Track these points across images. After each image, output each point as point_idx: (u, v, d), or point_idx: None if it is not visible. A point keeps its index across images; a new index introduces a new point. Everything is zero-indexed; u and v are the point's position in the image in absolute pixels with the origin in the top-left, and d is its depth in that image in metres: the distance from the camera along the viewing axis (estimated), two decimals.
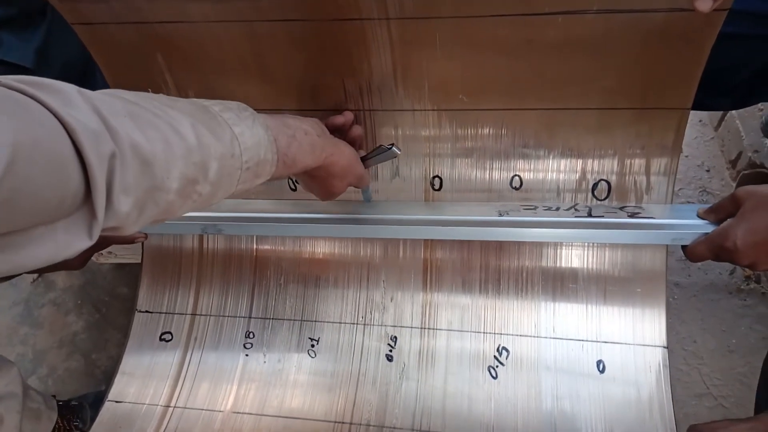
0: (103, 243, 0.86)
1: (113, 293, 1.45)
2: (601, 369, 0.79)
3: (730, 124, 1.34)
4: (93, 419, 1.04)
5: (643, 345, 0.79)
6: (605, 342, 0.80)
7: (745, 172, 1.26)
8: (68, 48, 1.14)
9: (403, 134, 0.83)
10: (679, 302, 1.18)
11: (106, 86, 1.21)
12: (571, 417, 0.77)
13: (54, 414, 1.05)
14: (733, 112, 1.32)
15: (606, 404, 0.77)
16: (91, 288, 1.48)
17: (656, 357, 0.78)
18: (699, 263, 1.22)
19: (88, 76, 1.21)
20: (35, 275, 1.50)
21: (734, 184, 1.31)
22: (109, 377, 1.30)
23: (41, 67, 1.08)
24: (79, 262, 0.86)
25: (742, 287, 1.18)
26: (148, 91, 0.49)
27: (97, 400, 1.08)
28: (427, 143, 0.83)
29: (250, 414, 0.84)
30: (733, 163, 1.32)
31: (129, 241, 0.87)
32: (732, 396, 1.06)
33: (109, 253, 1.27)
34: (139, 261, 1.27)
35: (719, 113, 1.39)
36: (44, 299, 1.47)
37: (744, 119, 1.28)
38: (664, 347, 0.79)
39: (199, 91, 0.84)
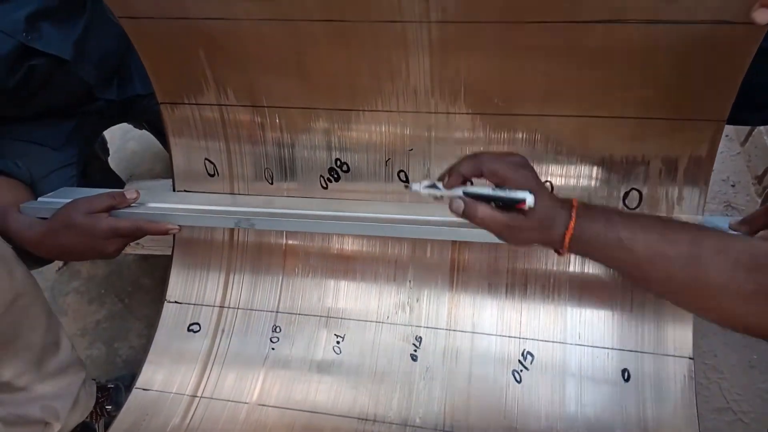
0: (137, 234, 0.87)
1: (136, 284, 1.47)
2: (626, 378, 0.80)
3: (757, 140, 1.34)
4: None
5: (669, 355, 0.79)
6: (631, 351, 0.80)
7: None
8: (106, 42, 1.16)
9: (436, 137, 0.84)
10: (704, 316, 1.18)
11: (141, 81, 1.23)
12: (595, 424, 0.77)
13: (91, 401, 1.06)
14: (761, 127, 1.31)
15: (630, 413, 0.77)
16: (115, 278, 1.50)
17: (682, 368, 0.78)
18: None
19: (123, 71, 1.24)
20: (61, 263, 1.53)
21: (759, 200, 1.31)
22: (130, 366, 1.32)
23: (79, 60, 1.10)
24: (114, 251, 0.88)
25: None
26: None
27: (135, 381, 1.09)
28: (459, 147, 0.84)
29: (275, 407, 0.85)
30: (759, 179, 1.32)
31: (162, 232, 0.88)
32: (752, 412, 1.05)
33: (137, 244, 1.28)
34: (165, 253, 1.29)
35: (746, 128, 1.39)
36: (68, 287, 1.49)
37: None
38: (690, 358, 0.79)
39: (237, 87, 0.86)
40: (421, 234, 0.84)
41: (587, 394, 0.80)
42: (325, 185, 0.92)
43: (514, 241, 0.61)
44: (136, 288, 1.47)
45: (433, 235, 0.84)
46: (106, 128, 1.44)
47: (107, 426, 1.13)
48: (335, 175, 0.91)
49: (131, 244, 1.28)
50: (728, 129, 1.45)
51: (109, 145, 1.61)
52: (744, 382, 1.09)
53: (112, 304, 1.45)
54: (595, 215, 0.57)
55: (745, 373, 1.10)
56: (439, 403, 0.82)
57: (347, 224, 0.83)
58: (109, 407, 1.13)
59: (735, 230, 0.73)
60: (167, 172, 1.73)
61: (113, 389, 1.16)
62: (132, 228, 0.86)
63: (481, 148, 0.83)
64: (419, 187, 0.62)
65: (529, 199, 0.56)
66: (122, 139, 1.82)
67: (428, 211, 0.84)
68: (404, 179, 0.88)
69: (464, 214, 0.60)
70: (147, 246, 1.29)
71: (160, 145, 1.63)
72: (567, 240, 0.57)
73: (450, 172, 0.62)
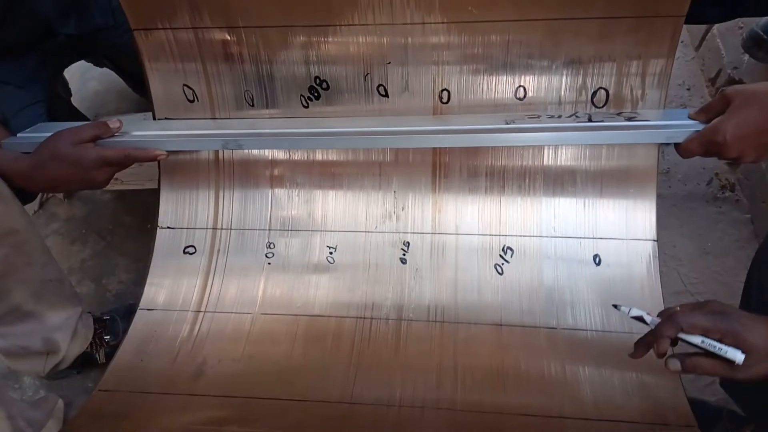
0: (126, 162, 0.89)
1: (117, 221, 1.48)
2: (597, 262, 0.88)
3: (710, 43, 1.40)
4: (125, 331, 1.09)
5: (635, 239, 0.87)
6: (601, 238, 0.88)
7: (724, 88, 1.32)
8: None
9: (412, 48, 0.86)
10: (659, 211, 1.27)
11: (100, 13, 1.20)
12: (570, 299, 0.86)
13: (90, 332, 1.10)
14: (714, 31, 1.37)
15: (601, 290, 0.86)
16: (94, 218, 1.50)
17: (647, 249, 0.87)
18: (679, 176, 1.31)
19: (82, 4, 1.20)
20: (36, 207, 1.52)
21: None
22: (121, 300, 1.36)
23: None
24: (104, 180, 0.89)
25: (717, 196, 1.27)
26: None
27: (129, 312, 1.13)
28: (436, 57, 0.87)
29: (277, 314, 0.90)
30: (713, 81, 1.39)
31: (151, 158, 0.90)
32: (707, 292, 1.16)
33: (115, 179, 1.29)
34: (143, 187, 1.30)
35: (700, 34, 1.45)
36: (47, 230, 1.49)
37: (724, 37, 1.34)
38: (654, 240, 0.87)
39: (212, 9, 0.86)
40: (405, 144, 0.88)
41: (562, 275, 0.88)
42: (306, 104, 0.94)
43: (745, 378, 0.58)
44: (117, 225, 1.48)
45: (416, 144, 0.87)
46: (67, 65, 1.41)
47: (108, 355, 1.18)
48: (315, 94, 0.93)
49: None
50: (683, 35, 1.51)
51: (69, 86, 1.58)
52: (700, 267, 1.19)
53: (95, 243, 1.46)
54: None
55: (700, 258, 1.20)
56: (429, 298, 0.89)
57: (333, 139, 0.87)
58: (108, 337, 1.17)
59: (694, 119, 0.79)
60: (133, 110, 1.70)
61: (109, 320, 1.19)
62: (120, 156, 0.87)
63: (457, 58, 0.86)
64: (626, 312, 0.64)
65: (739, 358, 0.55)
66: (82, 79, 1.77)
67: (409, 122, 0.88)
68: (384, 93, 0.91)
69: (684, 371, 0.60)
70: (127, 181, 1.30)
71: (124, 84, 1.60)
72: None
73: (655, 338, 0.60)
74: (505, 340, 0.84)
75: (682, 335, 0.59)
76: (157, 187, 1.02)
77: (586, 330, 0.83)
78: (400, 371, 0.82)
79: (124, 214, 1.49)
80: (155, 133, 0.90)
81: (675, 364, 0.60)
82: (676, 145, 0.78)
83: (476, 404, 0.77)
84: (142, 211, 1.47)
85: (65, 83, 1.56)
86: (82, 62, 1.48)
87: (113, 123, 0.90)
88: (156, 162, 0.96)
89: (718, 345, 0.57)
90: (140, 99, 1.67)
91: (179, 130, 0.93)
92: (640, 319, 0.62)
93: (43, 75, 1.23)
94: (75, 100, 1.62)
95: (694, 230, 1.24)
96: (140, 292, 0.97)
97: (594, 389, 0.77)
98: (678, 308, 0.62)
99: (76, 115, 1.48)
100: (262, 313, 0.91)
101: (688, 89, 1.44)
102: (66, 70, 1.44)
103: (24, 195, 0.94)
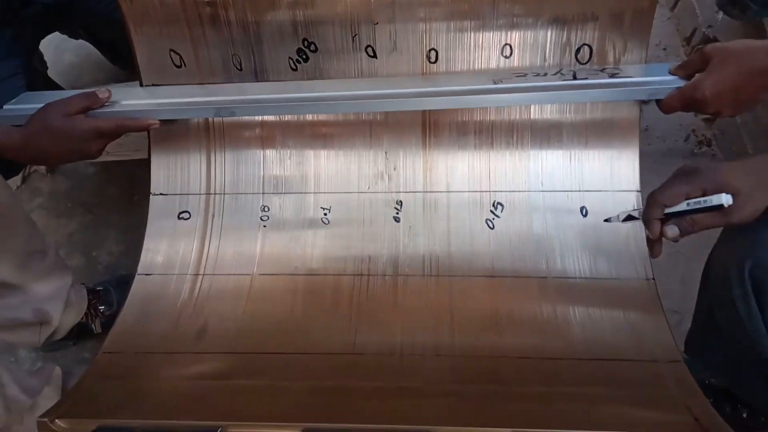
0: (119, 132, 0.89)
1: (102, 194, 1.48)
2: (584, 214, 0.91)
3: (686, 3, 1.43)
4: (119, 301, 1.10)
5: (620, 191, 0.91)
6: (587, 190, 0.91)
7: (699, 47, 1.36)
8: None
9: (400, 6, 0.87)
10: (640, 167, 1.31)
11: None
12: (559, 249, 0.89)
13: (84, 303, 1.11)
14: None
15: (588, 240, 0.89)
16: (78, 191, 1.49)
17: (631, 200, 0.90)
18: (658, 133, 1.35)
19: None
20: (19, 182, 1.50)
21: None
22: (112, 271, 1.36)
23: None
24: (97, 151, 0.89)
25: (695, 151, 1.32)
26: None
27: (122, 282, 1.13)
28: (423, 15, 0.88)
29: (276, 274, 0.92)
30: (688, 40, 1.42)
31: (144, 128, 0.89)
32: (686, 244, 1.21)
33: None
34: (130, 158, 1.30)
35: None
36: (32, 205, 1.48)
37: None
38: (638, 191, 0.91)
39: None
40: (394, 107, 0.89)
41: (551, 228, 0.91)
42: (294, 67, 0.94)
43: (741, 220, 0.59)
44: (103, 198, 1.47)
45: (406, 107, 0.89)
46: (44, 36, 1.38)
47: (104, 325, 1.19)
48: (304, 56, 0.93)
49: None
50: None
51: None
52: None
53: (82, 216, 1.45)
54: None
55: None
56: (424, 253, 0.92)
57: (325, 104, 0.87)
58: (102, 308, 1.18)
59: (674, 74, 0.82)
60: (110, 82, 1.68)
61: (102, 291, 1.20)
62: (113, 126, 0.87)
63: (444, 17, 0.87)
64: (617, 220, 0.70)
65: (726, 199, 0.57)
66: (57, 51, 1.74)
67: (398, 83, 0.90)
68: (372, 54, 0.92)
69: (683, 234, 0.62)
70: (113, 152, 1.29)
71: (100, 55, 1.58)
72: None
73: (647, 225, 0.64)
74: (498, 289, 0.87)
75: (668, 210, 0.62)
76: (141, 157, 1.02)
77: (576, 277, 0.87)
78: (399, 323, 0.85)
79: (109, 186, 1.49)
80: (147, 102, 0.90)
81: (673, 230, 0.62)
82: (658, 101, 0.81)
83: (473, 350, 0.81)
84: (127, 183, 1.46)
85: (41, 56, 1.53)
86: (56, 35, 1.45)
87: (102, 93, 0.90)
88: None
89: (702, 199, 0.58)
90: (117, 70, 1.64)
91: (168, 96, 0.93)
92: (630, 217, 0.67)
93: (21, 46, 1.21)
94: (50, 73, 1.59)
95: None
96: (132, 262, 0.97)
97: (585, 331, 0.81)
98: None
99: (53, 87, 1.46)
100: (260, 274, 0.92)
101: (665, 49, 1.47)
102: (40, 43, 1.42)
103: (7, 169, 0.94)
